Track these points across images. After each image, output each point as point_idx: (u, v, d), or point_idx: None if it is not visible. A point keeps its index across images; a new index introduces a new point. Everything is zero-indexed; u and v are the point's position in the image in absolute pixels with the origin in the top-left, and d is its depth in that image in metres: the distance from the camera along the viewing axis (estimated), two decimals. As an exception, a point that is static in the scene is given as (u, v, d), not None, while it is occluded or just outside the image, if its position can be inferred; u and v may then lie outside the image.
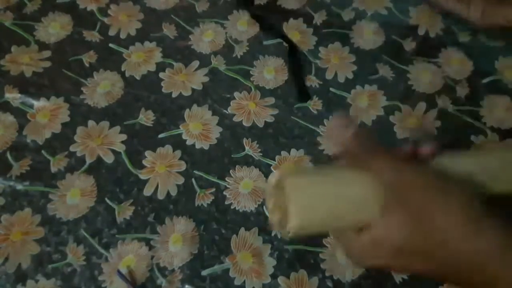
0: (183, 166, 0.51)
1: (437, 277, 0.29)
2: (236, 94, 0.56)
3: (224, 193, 0.50)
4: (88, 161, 0.51)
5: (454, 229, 0.27)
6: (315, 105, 0.56)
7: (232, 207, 0.49)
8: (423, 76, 0.59)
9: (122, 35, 0.61)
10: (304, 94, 0.56)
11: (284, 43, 0.60)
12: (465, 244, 0.27)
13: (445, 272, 0.28)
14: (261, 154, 0.52)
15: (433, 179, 0.29)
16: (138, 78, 0.57)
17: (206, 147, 0.53)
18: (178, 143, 0.53)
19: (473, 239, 0.26)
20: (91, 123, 0.54)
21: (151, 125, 0.54)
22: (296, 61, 0.59)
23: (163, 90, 0.57)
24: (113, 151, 0.52)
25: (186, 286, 0.45)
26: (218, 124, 0.54)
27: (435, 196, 0.28)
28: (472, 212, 0.27)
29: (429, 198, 0.28)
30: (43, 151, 0.52)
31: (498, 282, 0.26)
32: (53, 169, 0.51)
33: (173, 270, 0.46)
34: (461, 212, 0.27)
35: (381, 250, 0.29)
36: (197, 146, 0.53)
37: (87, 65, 0.58)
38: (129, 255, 0.46)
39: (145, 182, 0.50)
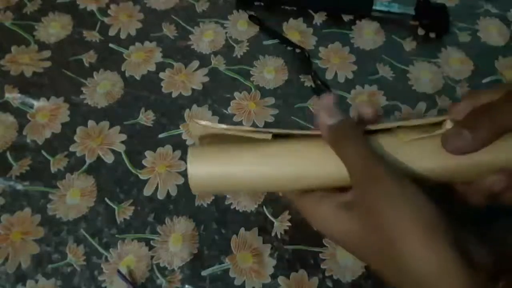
0: (183, 166, 0.51)
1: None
2: (236, 94, 0.56)
3: (224, 193, 0.50)
4: (88, 161, 0.51)
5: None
6: (315, 105, 0.56)
7: (232, 207, 0.49)
8: (423, 76, 0.59)
9: (122, 35, 0.61)
10: (324, 89, 0.57)
11: (297, 50, 0.60)
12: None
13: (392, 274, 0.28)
14: (261, 154, 0.52)
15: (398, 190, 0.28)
16: (138, 78, 0.57)
17: (206, 147, 0.53)
18: (178, 143, 0.53)
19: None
20: (91, 123, 0.54)
21: (151, 125, 0.54)
22: (307, 61, 0.59)
23: (163, 90, 0.57)
24: (113, 151, 0.52)
25: (186, 286, 0.45)
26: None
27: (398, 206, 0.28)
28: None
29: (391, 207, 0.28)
30: (43, 151, 0.52)
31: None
32: (53, 169, 0.51)
33: (173, 270, 0.46)
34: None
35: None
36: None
37: (87, 65, 0.58)
38: (129, 255, 0.46)
39: (145, 182, 0.50)
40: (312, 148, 0.33)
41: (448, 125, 0.31)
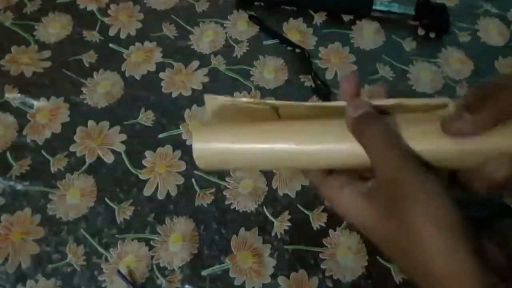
0: (183, 166, 0.51)
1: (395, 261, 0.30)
2: (236, 94, 0.56)
3: (224, 193, 0.50)
4: (88, 161, 0.51)
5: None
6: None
7: (232, 207, 0.49)
8: (423, 76, 0.59)
9: (122, 35, 0.61)
10: (324, 89, 0.57)
11: (297, 50, 0.60)
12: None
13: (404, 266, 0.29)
14: (261, 154, 0.52)
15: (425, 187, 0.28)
16: (138, 78, 0.57)
17: (206, 147, 0.53)
18: (178, 143, 0.53)
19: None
20: (91, 123, 0.54)
21: (151, 125, 0.54)
22: (307, 61, 0.59)
23: (163, 90, 0.57)
24: (113, 151, 0.52)
25: (186, 286, 0.45)
26: (218, 124, 0.54)
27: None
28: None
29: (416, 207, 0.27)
30: (43, 151, 0.52)
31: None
32: (53, 169, 0.51)
33: (173, 270, 0.46)
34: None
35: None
36: (197, 146, 0.53)
37: (87, 65, 0.58)
38: (129, 255, 0.46)
39: (145, 182, 0.50)
40: (324, 128, 0.32)
41: (451, 107, 0.30)
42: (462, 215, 0.27)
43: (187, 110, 0.55)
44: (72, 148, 0.52)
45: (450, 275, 0.26)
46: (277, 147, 0.32)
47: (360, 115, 0.30)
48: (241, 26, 0.62)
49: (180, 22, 0.62)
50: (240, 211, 0.49)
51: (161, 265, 0.46)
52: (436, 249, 0.26)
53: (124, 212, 0.49)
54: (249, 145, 0.32)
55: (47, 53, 0.59)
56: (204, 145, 0.34)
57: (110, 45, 0.60)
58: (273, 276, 0.46)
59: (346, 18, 0.64)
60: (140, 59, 0.59)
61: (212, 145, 0.33)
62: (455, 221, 0.27)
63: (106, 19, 0.62)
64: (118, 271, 0.44)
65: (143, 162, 0.51)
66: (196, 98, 0.56)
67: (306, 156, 0.32)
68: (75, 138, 0.53)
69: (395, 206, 0.28)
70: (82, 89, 0.56)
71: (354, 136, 0.30)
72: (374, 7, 0.63)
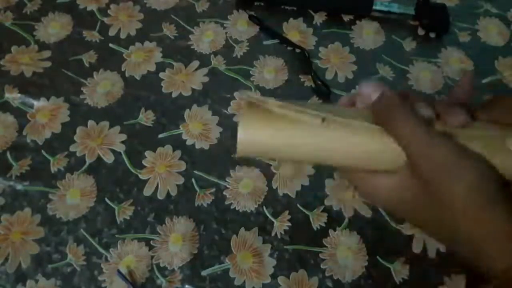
0: (183, 166, 0.51)
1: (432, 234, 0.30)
2: (236, 94, 0.56)
3: (224, 193, 0.50)
4: (88, 161, 0.51)
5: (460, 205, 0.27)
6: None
7: (232, 207, 0.49)
8: (423, 76, 0.59)
9: (122, 35, 0.61)
10: (324, 89, 0.57)
11: (297, 50, 0.60)
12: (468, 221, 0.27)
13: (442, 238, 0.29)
14: (261, 154, 0.52)
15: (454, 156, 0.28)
16: (138, 78, 0.57)
17: (206, 147, 0.53)
18: (178, 143, 0.53)
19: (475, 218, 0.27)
20: (91, 123, 0.54)
21: (151, 125, 0.54)
22: (307, 61, 0.59)
23: (163, 90, 0.57)
24: (113, 151, 0.52)
25: (186, 286, 0.45)
26: (218, 124, 0.54)
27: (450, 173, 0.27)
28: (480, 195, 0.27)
29: (445, 174, 0.27)
30: (43, 151, 0.52)
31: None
32: (53, 169, 0.51)
33: (173, 270, 0.46)
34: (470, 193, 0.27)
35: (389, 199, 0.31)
36: (197, 146, 0.53)
37: (87, 65, 0.58)
38: (129, 255, 0.46)
39: (145, 182, 0.50)
40: (366, 140, 0.30)
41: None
42: (500, 180, 0.27)
43: (187, 110, 0.55)
44: (72, 148, 0.52)
45: (487, 237, 0.26)
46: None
47: (380, 97, 0.30)
48: (241, 26, 0.62)
49: (180, 22, 0.62)
50: (240, 211, 0.49)
51: (161, 265, 0.46)
52: (472, 221, 0.27)
53: (124, 212, 0.49)
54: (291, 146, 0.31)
55: (47, 53, 0.59)
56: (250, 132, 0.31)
57: (110, 45, 0.60)
58: (273, 276, 0.46)
59: (346, 18, 0.64)
60: (140, 59, 0.59)
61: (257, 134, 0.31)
62: (492, 190, 0.27)
63: (106, 19, 0.62)
64: (118, 271, 0.44)
65: (143, 162, 0.51)
66: (196, 98, 0.56)
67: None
68: (75, 138, 0.53)
69: (428, 180, 0.28)
70: (82, 89, 0.56)
71: (376, 118, 0.30)
72: (374, 7, 0.63)
